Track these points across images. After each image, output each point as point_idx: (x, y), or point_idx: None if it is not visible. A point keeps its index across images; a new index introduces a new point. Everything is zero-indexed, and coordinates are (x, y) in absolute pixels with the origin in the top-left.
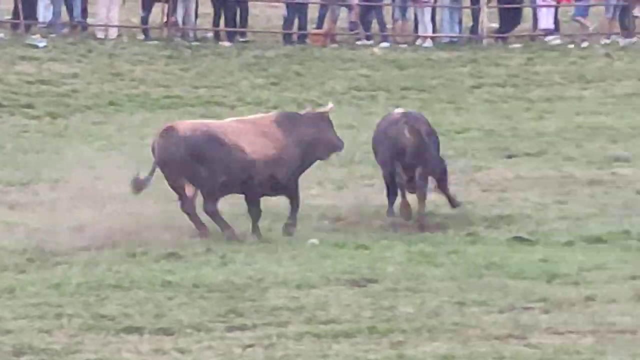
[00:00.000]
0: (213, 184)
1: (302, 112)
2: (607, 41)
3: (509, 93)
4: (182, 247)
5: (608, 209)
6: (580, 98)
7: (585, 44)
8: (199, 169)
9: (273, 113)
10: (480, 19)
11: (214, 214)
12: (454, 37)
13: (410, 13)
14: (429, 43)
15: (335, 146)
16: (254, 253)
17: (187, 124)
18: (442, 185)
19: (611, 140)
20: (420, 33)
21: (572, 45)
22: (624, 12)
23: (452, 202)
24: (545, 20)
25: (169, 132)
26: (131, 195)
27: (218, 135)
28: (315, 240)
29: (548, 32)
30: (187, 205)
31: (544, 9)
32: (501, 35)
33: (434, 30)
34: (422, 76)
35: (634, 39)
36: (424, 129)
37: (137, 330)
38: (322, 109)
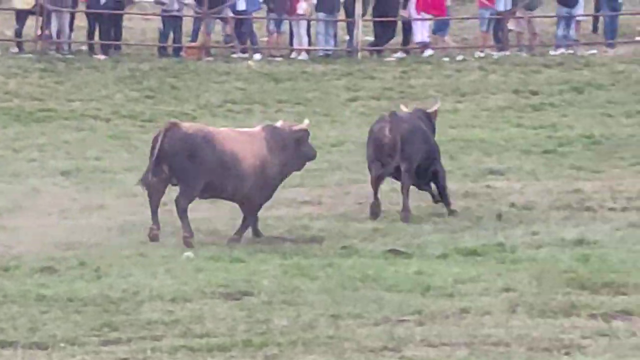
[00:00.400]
0: (195, 183)
1: (279, 123)
2: (482, 54)
3: (384, 106)
4: (56, 261)
5: (482, 222)
6: (455, 111)
7: (459, 57)
8: (188, 165)
9: (261, 126)
10: (355, 32)
11: (183, 212)
12: (329, 50)
13: (285, 25)
14: (304, 56)
15: (310, 156)
16: (129, 266)
17: (189, 124)
18: (439, 187)
19: (485, 153)
20: (295, 46)
21: (446, 59)
22: (498, 26)
23: (448, 208)
24: (420, 33)
25: (173, 127)
26: (4, 209)
27: (215, 139)
28: (190, 254)
29: (422, 45)
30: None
31: (418, 22)
32: (376, 48)
33: (309, 43)
34: (297, 89)
35: (508, 52)
36: (405, 127)
37: (11, 344)
38: (299, 126)
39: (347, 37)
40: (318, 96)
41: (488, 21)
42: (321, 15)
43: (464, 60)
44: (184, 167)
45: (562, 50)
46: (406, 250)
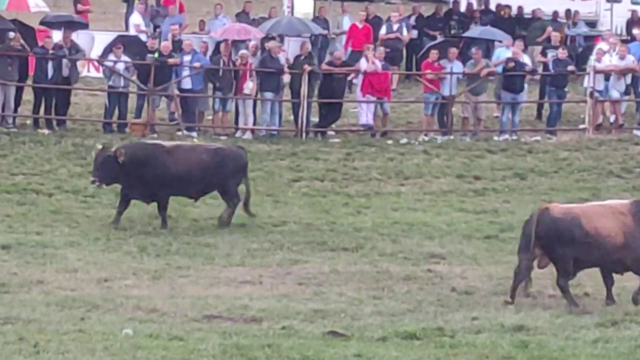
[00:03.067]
0: (567, 262)
1: None
2: (426, 138)
3: (327, 187)
4: None
5: (423, 306)
6: (398, 194)
7: (404, 141)
8: (558, 247)
9: (629, 200)
10: (300, 113)
11: (565, 290)
12: (274, 130)
13: (230, 104)
14: (248, 135)
15: None
16: (68, 342)
17: (558, 207)
18: None
19: (427, 237)
20: (240, 125)
21: (390, 142)
22: (442, 110)
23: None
24: (365, 116)
25: (544, 211)
26: None
27: (581, 220)
28: (129, 331)
29: (367, 128)
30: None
31: (364, 105)
32: (321, 129)
33: (254, 123)
34: None
35: (452, 137)
36: None
37: None
38: None
39: (292, 117)
40: (262, 176)
41: (433, 105)
42: (267, 94)
43: (408, 143)
44: (555, 249)
45: (506, 136)
46: (346, 332)
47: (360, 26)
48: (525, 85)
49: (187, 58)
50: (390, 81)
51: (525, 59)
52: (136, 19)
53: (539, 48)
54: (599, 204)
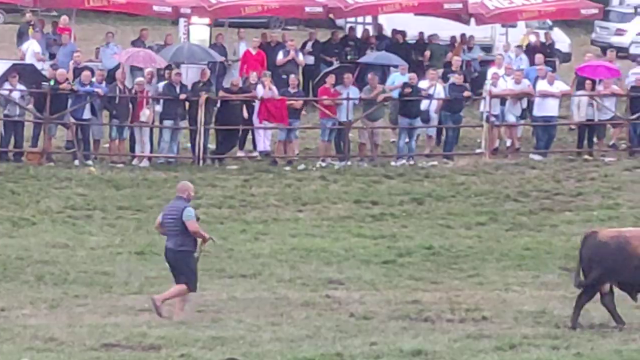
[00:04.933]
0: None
1: None
2: (323, 164)
3: (225, 214)
4: None
5: (321, 331)
6: (296, 220)
7: (301, 167)
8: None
9: None
10: (197, 140)
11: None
12: (171, 157)
13: (127, 132)
14: (145, 163)
15: None
16: None
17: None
18: None
19: (325, 263)
20: (137, 152)
21: (288, 168)
22: (339, 136)
23: None
24: (262, 142)
25: (591, 235)
26: None
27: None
28: None
29: (263, 154)
30: (606, 300)
31: (261, 131)
32: (218, 156)
33: (151, 150)
34: (138, 196)
35: (349, 162)
36: None
37: None
38: None
39: (189, 145)
40: (159, 203)
41: (329, 131)
42: (165, 122)
43: (305, 169)
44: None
45: (403, 161)
46: (244, 359)
47: (254, 52)
48: None
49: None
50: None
51: (439, 87)
52: (35, 46)
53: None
54: None
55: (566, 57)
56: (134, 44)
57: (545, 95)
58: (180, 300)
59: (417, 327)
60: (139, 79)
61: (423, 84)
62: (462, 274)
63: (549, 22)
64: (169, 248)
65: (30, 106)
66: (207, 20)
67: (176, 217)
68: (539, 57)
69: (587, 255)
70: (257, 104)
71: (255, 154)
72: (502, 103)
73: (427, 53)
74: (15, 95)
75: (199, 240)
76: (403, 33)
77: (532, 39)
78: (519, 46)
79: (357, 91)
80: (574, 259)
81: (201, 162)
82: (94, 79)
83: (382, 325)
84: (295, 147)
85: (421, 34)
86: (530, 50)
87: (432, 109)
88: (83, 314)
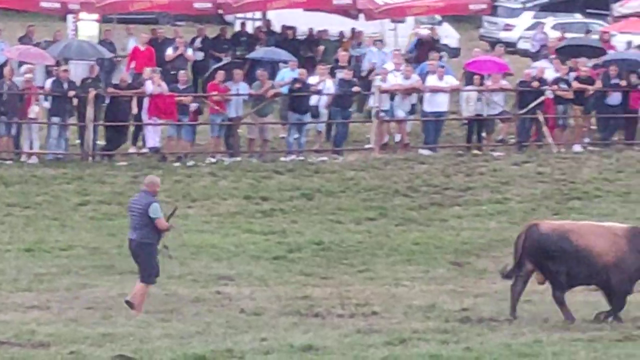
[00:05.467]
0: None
1: None
2: (213, 160)
3: (114, 211)
4: None
5: (212, 327)
6: (186, 216)
7: (190, 163)
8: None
9: (628, 225)
10: (86, 137)
11: (560, 302)
12: (60, 154)
13: (15, 129)
14: (34, 159)
15: None
16: None
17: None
18: None
19: (215, 259)
20: (25, 149)
21: (178, 164)
22: (229, 132)
23: None
24: (152, 139)
25: (532, 227)
26: None
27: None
28: None
29: (153, 150)
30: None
31: (150, 128)
32: (107, 153)
33: (39, 147)
34: (27, 193)
35: (239, 158)
36: None
37: None
38: None
39: (79, 141)
40: (48, 200)
41: (219, 127)
42: (53, 119)
43: (195, 165)
44: (545, 264)
45: (292, 156)
46: (134, 356)
47: (143, 48)
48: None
49: None
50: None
51: (328, 82)
52: None
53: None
54: (595, 224)
55: (455, 53)
56: (21, 40)
57: (434, 90)
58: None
59: (308, 323)
60: (28, 75)
61: (313, 80)
62: (352, 269)
63: (438, 17)
64: (133, 239)
65: None
66: (95, 17)
67: (142, 212)
68: (431, 53)
69: (528, 247)
70: (146, 100)
71: (145, 150)
72: (392, 98)
73: (321, 48)
74: None
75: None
76: (293, 29)
77: (424, 32)
78: (379, 40)
79: (247, 87)
80: (463, 253)
81: (90, 158)
82: None
83: (272, 321)
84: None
85: (310, 29)
86: (420, 46)
87: (322, 104)
88: None
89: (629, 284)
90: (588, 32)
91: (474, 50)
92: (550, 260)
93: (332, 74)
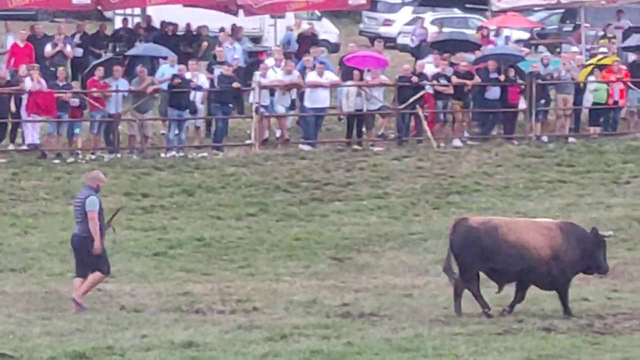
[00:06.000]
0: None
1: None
2: (93, 156)
3: None
4: None
5: (92, 325)
6: (66, 213)
7: (70, 159)
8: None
9: (561, 220)
10: None
11: (475, 293)
12: None
13: None
14: None
15: (600, 268)
16: None
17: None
18: None
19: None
20: None
21: (57, 161)
22: (108, 128)
23: None
24: (31, 135)
25: (461, 221)
26: None
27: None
28: None
29: (32, 147)
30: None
31: (29, 124)
32: None
33: None
34: None
35: (119, 155)
36: None
37: None
38: (604, 233)
39: None
40: None
41: (99, 123)
42: None
43: (75, 162)
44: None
45: (173, 152)
46: (14, 354)
47: (22, 45)
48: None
49: None
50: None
51: (202, 77)
52: None
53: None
54: (527, 219)
55: (335, 48)
56: None
57: (314, 86)
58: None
59: (188, 319)
60: None
61: (188, 76)
62: (233, 265)
63: (318, 12)
64: (75, 234)
65: None
66: None
67: (81, 205)
68: (313, 49)
69: (457, 241)
70: (25, 97)
71: (24, 147)
72: (272, 94)
73: (205, 44)
74: None
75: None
76: (173, 25)
77: (305, 27)
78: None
79: (126, 83)
80: (344, 248)
81: None
82: None
83: (153, 318)
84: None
85: (188, 25)
86: (300, 41)
87: (197, 100)
88: None
89: (567, 278)
90: (467, 27)
91: (348, 46)
92: (469, 253)
93: (210, 70)
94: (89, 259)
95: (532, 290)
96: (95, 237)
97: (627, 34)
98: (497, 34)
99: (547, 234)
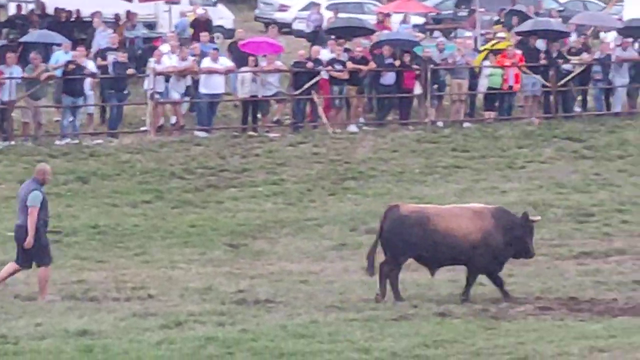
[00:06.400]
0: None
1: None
2: None
3: None
4: None
5: None
6: None
7: None
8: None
9: (492, 206)
10: None
11: (393, 282)
12: None
13: None
14: None
15: (528, 252)
16: None
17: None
18: None
19: None
20: None
21: None
22: (2, 115)
23: None
24: None
25: (392, 208)
26: None
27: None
28: None
29: None
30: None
31: None
32: None
33: None
34: None
35: (13, 142)
36: None
37: None
38: (533, 217)
39: None
40: None
41: None
42: None
43: None
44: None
45: (67, 140)
46: None
47: None
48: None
49: None
50: None
51: (90, 63)
52: None
53: None
54: (457, 206)
55: (230, 34)
56: None
57: (209, 72)
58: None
59: (83, 307)
60: None
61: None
62: (128, 253)
63: None
64: (18, 225)
65: None
66: None
67: (24, 198)
68: (202, 35)
69: (388, 228)
70: None
71: None
72: (167, 80)
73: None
74: None
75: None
76: (67, 11)
77: (200, 12)
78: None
79: (20, 70)
80: (240, 235)
81: None
82: None
83: (47, 306)
84: None
85: (78, 11)
86: (195, 26)
87: (86, 86)
88: None
89: (497, 263)
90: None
91: (237, 31)
92: (400, 240)
93: (103, 56)
94: (31, 250)
95: (427, 275)
96: (30, 233)
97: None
98: (405, 21)
99: (477, 220)
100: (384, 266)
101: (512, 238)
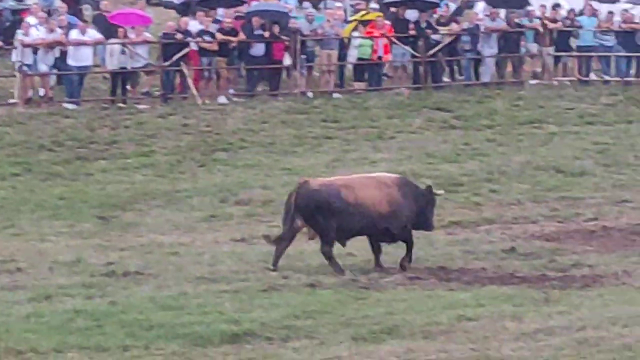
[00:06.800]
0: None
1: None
2: None
3: None
4: None
5: None
6: None
7: None
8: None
9: (396, 175)
10: None
11: (329, 257)
12: None
13: None
14: None
15: (429, 225)
16: None
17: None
18: None
19: None
20: None
21: None
22: None
23: None
24: None
25: (304, 184)
26: None
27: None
28: None
29: None
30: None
31: None
32: None
33: None
34: None
35: None
36: None
37: None
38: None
39: None
40: None
41: None
42: None
43: None
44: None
45: None
46: None
47: None
48: None
49: None
50: None
51: None
52: None
53: None
54: (365, 176)
55: (96, 5)
56: None
57: (78, 44)
58: None
59: None
60: None
61: None
62: None
63: None
64: None
65: None
66: None
67: None
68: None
69: (301, 204)
70: None
71: None
72: (35, 52)
73: None
74: None
75: None
76: None
77: None
78: None
79: None
80: (109, 207)
81: None
82: None
83: None
84: None
85: None
86: None
87: None
88: None
89: (409, 231)
90: None
91: (103, 3)
92: (320, 216)
93: None
94: None
95: (297, 245)
96: None
97: None
98: None
99: (384, 189)
100: (281, 242)
101: (417, 209)
